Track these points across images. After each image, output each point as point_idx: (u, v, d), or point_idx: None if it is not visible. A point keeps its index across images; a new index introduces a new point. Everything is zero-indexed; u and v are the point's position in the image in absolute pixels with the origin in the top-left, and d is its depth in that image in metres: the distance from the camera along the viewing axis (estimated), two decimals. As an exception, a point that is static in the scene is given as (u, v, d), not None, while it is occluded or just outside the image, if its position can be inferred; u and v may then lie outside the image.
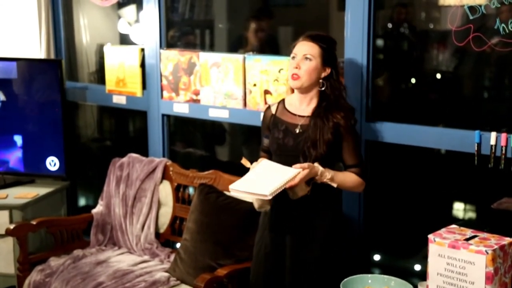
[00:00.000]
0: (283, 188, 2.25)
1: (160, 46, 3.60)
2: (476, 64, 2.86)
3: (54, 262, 3.29)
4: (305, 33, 2.50)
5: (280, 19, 3.67)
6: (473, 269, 1.93)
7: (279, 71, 3.04)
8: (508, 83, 2.84)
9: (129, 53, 3.72)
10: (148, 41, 3.65)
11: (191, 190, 3.43)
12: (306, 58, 2.43)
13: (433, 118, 2.91)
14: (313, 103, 2.49)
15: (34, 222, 3.33)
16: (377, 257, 3.25)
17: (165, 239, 3.48)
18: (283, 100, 2.60)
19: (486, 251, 1.91)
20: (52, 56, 4.09)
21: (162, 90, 3.59)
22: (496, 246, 1.92)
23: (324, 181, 2.37)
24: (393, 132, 2.78)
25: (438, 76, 3.09)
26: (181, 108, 3.51)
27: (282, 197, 2.37)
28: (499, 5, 2.40)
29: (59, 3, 4.14)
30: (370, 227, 3.02)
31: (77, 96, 4.12)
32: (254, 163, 2.42)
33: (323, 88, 2.46)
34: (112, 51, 3.81)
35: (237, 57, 3.21)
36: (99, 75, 4.24)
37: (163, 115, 3.64)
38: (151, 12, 3.61)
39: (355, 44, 2.81)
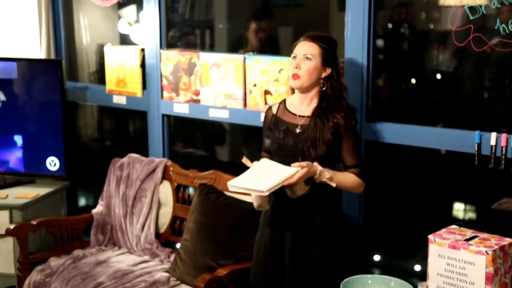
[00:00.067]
0: (281, 185, 2.26)
1: (160, 46, 3.60)
2: (476, 65, 2.86)
3: (54, 262, 3.29)
4: (305, 33, 2.50)
5: (280, 19, 3.67)
6: (473, 270, 1.93)
7: (279, 71, 3.04)
8: (508, 83, 2.84)
9: (129, 53, 3.72)
10: (148, 41, 3.65)
11: (191, 190, 3.43)
12: (307, 58, 2.43)
13: (434, 119, 2.91)
14: (314, 103, 2.49)
15: (34, 222, 3.33)
16: (377, 258, 3.25)
17: (165, 239, 3.48)
18: (284, 101, 2.60)
19: (486, 251, 1.91)
20: (52, 56, 4.09)
21: (162, 90, 3.59)
22: (496, 247, 1.92)
23: (323, 180, 2.37)
24: (393, 133, 2.78)
25: (439, 76, 3.09)
26: (181, 108, 3.51)
27: (282, 196, 2.38)
28: (499, 6, 2.40)
29: (59, 3, 4.13)
30: (370, 227, 3.01)
31: (77, 96, 4.12)
32: (255, 162, 2.43)
33: (324, 88, 2.47)
34: (112, 51, 3.81)
35: (237, 57, 3.21)
36: (99, 75, 4.24)
37: (163, 115, 3.64)
38: (151, 12, 3.61)
39: (355, 44, 2.81)
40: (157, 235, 3.45)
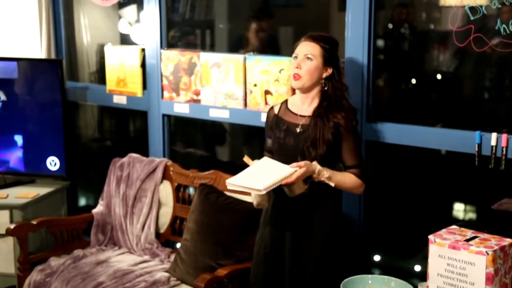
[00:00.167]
0: (278, 184, 2.26)
1: (161, 46, 3.60)
2: (476, 65, 2.87)
3: (55, 262, 3.29)
4: (307, 33, 2.51)
5: (280, 19, 3.67)
6: (473, 270, 1.93)
7: (280, 71, 3.04)
8: (508, 83, 2.84)
9: (130, 53, 3.72)
10: (149, 41, 3.65)
11: (191, 190, 3.43)
12: (307, 58, 2.44)
13: (434, 119, 2.91)
14: (315, 103, 2.49)
15: (34, 222, 3.33)
16: (377, 258, 3.25)
17: (165, 239, 3.48)
18: (286, 101, 2.61)
19: (486, 252, 1.91)
20: (53, 56, 4.09)
21: (162, 90, 3.59)
22: (496, 247, 1.92)
23: (321, 180, 2.37)
24: (394, 133, 2.78)
25: (439, 76, 3.09)
26: (181, 108, 3.51)
27: (282, 195, 2.38)
28: (500, 6, 2.40)
29: (59, 3, 4.13)
30: (371, 227, 3.01)
31: (78, 96, 4.12)
32: (255, 161, 2.43)
33: (325, 88, 2.47)
34: (112, 51, 3.81)
35: (238, 57, 3.21)
36: (100, 75, 4.24)
37: (163, 115, 3.64)
38: (152, 12, 3.61)
39: (355, 44, 2.81)
40: (157, 235, 3.45)
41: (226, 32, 3.97)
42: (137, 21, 3.93)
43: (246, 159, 2.43)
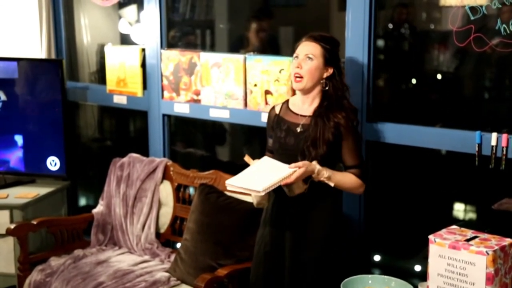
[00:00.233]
0: (277, 185, 2.27)
1: (161, 46, 3.60)
2: (477, 65, 2.86)
3: (55, 262, 3.29)
4: (307, 33, 2.51)
5: (280, 19, 3.67)
6: (473, 270, 1.93)
7: (280, 71, 3.04)
8: (509, 83, 2.84)
9: (130, 53, 3.72)
10: (149, 41, 3.65)
11: (191, 190, 3.43)
12: (308, 58, 2.44)
13: (434, 119, 2.91)
14: (316, 103, 2.50)
15: (34, 222, 3.33)
16: (377, 258, 3.25)
17: (165, 239, 3.48)
18: (287, 101, 2.61)
19: (486, 252, 1.90)
20: (53, 56, 4.09)
21: (162, 90, 3.59)
22: (496, 247, 1.92)
23: (321, 179, 2.37)
24: (394, 133, 2.77)
25: (439, 76, 3.09)
26: (181, 108, 3.51)
27: (282, 195, 2.39)
28: (500, 6, 2.40)
29: (60, 3, 4.14)
30: (371, 227, 3.01)
31: (78, 96, 4.12)
32: (256, 160, 2.44)
33: (326, 88, 2.47)
34: (113, 51, 3.81)
35: (238, 57, 3.21)
36: (100, 75, 4.24)
37: (163, 115, 3.64)
38: (152, 12, 3.61)
39: (356, 44, 2.81)
40: (158, 235, 3.45)
41: (226, 32, 3.97)
42: (137, 21, 3.93)
43: (247, 158, 2.44)
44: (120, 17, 4.09)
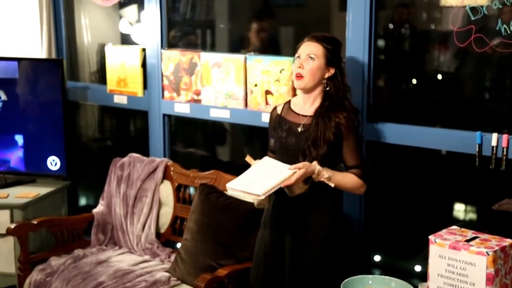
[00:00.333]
0: (277, 188, 2.27)
1: (161, 46, 3.60)
2: (477, 65, 2.86)
3: (55, 261, 3.29)
4: (308, 33, 2.51)
5: (281, 19, 3.67)
6: (473, 270, 1.93)
7: (281, 72, 3.03)
8: (509, 84, 2.84)
9: (130, 53, 3.72)
10: (149, 41, 3.65)
11: (191, 190, 3.43)
12: (310, 58, 2.44)
13: (435, 119, 2.91)
14: (317, 103, 2.50)
15: (35, 222, 3.33)
16: (377, 258, 3.25)
17: (165, 239, 3.48)
18: (289, 101, 2.62)
19: (487, 252, 1.90)
20: (54, 56, 4.09)
21: (163, 90, 3.59)
22: (497, 248, 1.92)
23: (321, 180, 2.37)
24: (394, 133, 2.77)
25: (440, 77, 3.09)
26: (182, 108, 3.51)
27: (282, 195, 2.39)
28: (500, 6, 2.40)
29: (60, 3, 4.14)
30: (371, 227, 3.01)
31: (78, 95, 4.12)
32: (257, 160, 2.44)
33: (327, 89, 2.47)
34: (113, 51, 3.81)
35: (238, 57, 3.21)
36: (100, 75, 4.24)
37: (164, 115, 3.64)
38: (153, 12, 3.61)
39: (356, 45, 2.81)
40: (158, 235, 3.45)
41: (226, 32, 3.97)
42: (138, 21, 3.93)
43: (248, 159, 2.44)
44: (120, 17, 4.09)
